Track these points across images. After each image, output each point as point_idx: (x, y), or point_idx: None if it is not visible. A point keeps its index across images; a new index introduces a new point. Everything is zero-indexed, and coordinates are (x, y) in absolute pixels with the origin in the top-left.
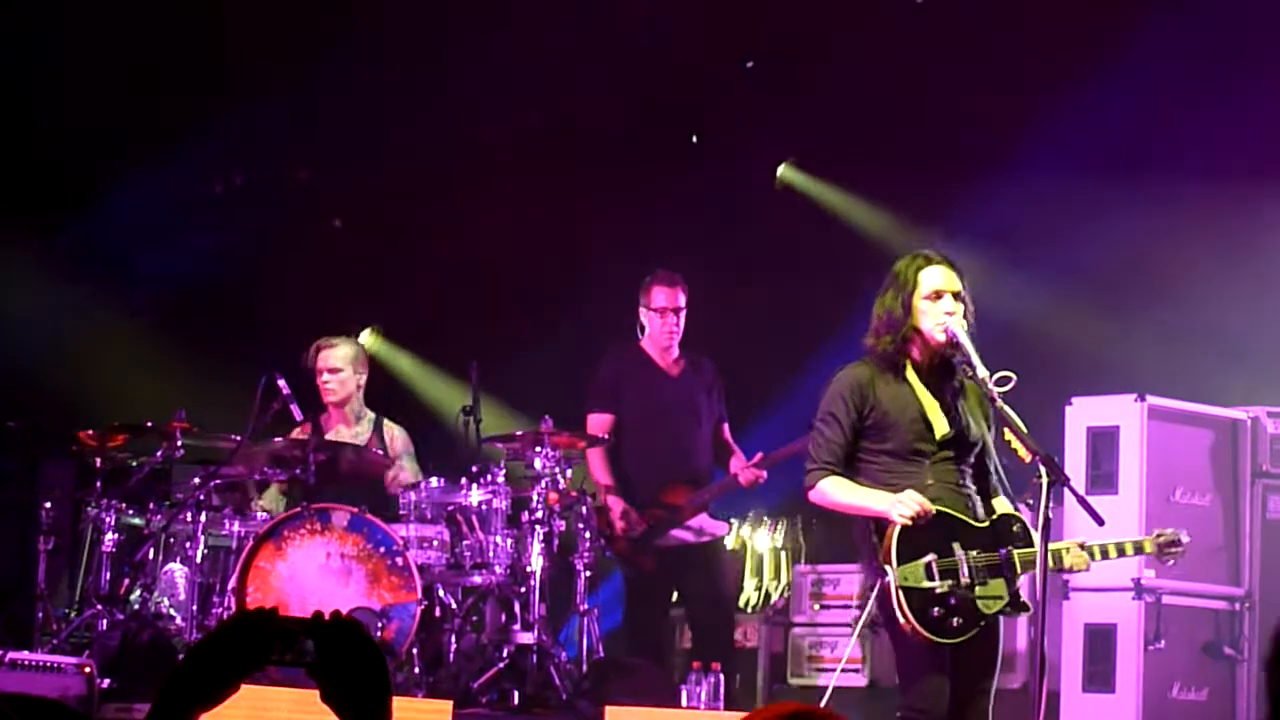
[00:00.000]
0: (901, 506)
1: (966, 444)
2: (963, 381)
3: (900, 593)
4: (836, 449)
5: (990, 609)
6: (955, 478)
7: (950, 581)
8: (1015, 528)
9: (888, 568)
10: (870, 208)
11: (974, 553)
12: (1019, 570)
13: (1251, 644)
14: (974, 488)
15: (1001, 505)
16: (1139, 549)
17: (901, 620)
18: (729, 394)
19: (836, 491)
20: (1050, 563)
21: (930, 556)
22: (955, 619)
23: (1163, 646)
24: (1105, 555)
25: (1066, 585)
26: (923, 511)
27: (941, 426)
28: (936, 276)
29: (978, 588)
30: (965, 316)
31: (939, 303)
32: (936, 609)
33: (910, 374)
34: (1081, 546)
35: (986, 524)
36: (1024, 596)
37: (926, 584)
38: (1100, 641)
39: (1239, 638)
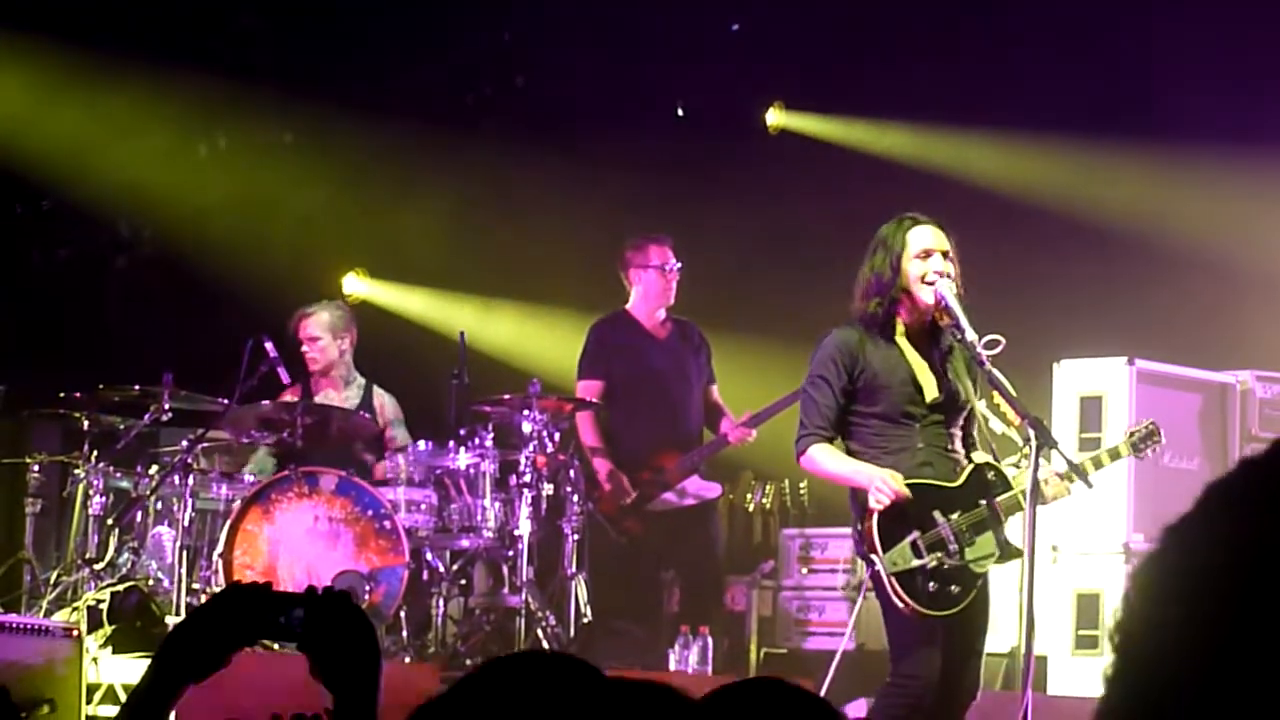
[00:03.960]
0: (878, 493)
1: (956, 407)
2: (951, 344)
3: (893, 579)
4: (828, 413)
5: (984, 567)
6: (944, 441)
7: (939, 553)
8: (991, 475)
9: (874, 557)
10: (882, 127)
11: (955, 515)
12: (1004, 518)
13: None
14: (962, 451)
15: (978, 456)
16: (1115, 455)
17: (901, 605)
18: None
19: (826, 460)
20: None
21: (914, 534)
22: (953, 587)
23: None
24: (1084, 475)
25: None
26: (898, 496)
27: (931, 390)
28: (926, 236)
29: (967, 550)
30: (955, 277)
31: (929, 261)
32: (932, 584)
33: (900, 336)
34: (1060, 476)
35: (961, 482)
36: (1014, 542)
37: (916, 562)
38: (1089, 605)
39: None
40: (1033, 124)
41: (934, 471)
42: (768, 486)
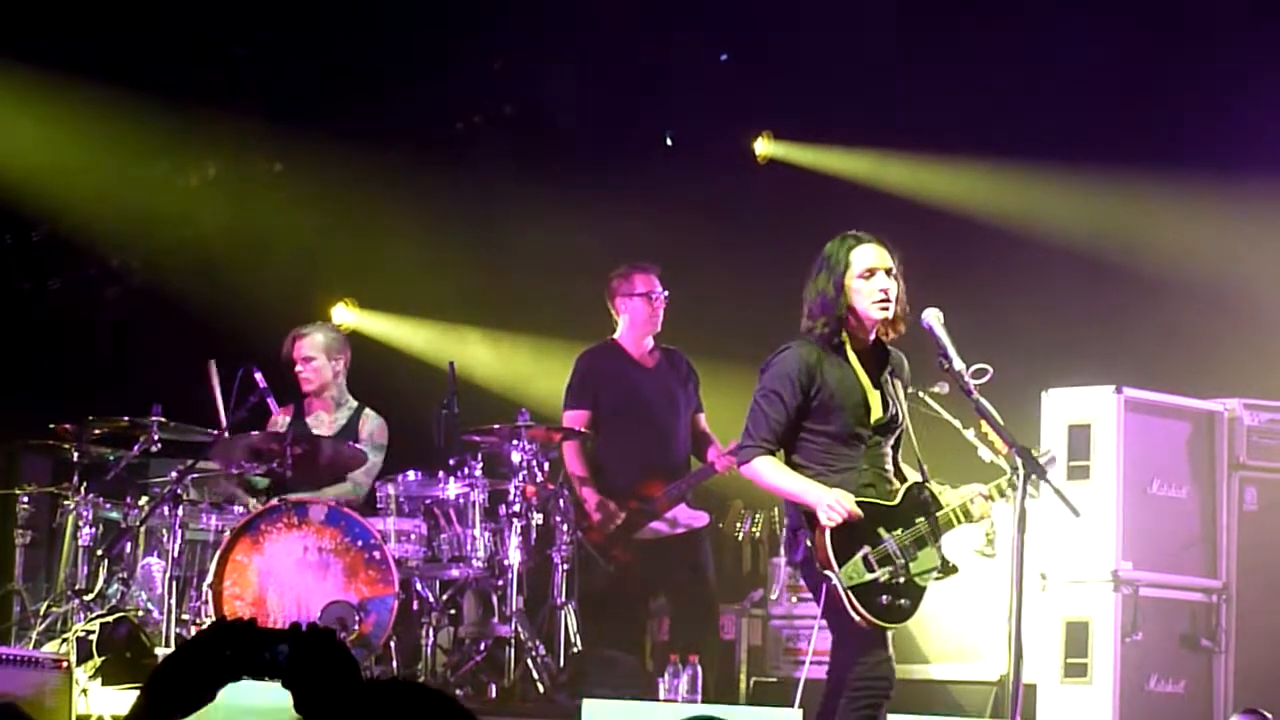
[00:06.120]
0: (831, 512)
1: (894, 429)
2: (893, 365)
3: (850, 594)
4: (777, 427)
5: (926, 581)
6: (883, 462)
7: (888, 568)
8: (924, 494)
9: (829, 573)
10: (871, 157)
11: (898, 532)
12: (940, 534)
13: (1228, 636)
14: (892, 471)
15: (910, 474)
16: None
17: (858, 618)
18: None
19: (771, 473)
20: (958, 518)
21: (865, 549)
22: (903, 600)
23: (1140, 638)
24: (1003, 494)
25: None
26: (850, 516)
27: (877, 411)
28: (869, 255)
29: (911, 564)
30: (900, 295)
31: (872, 280)
32: (884, 597)
33: (850, 356)
34: (985, 497)
35: (898, 501)
36: (950, 560)
37: (869, 576)
38: (1077, 633)
39: (1216, 630)
40: (1021, 153)
41: (875, 492)
42: (757, 515)
